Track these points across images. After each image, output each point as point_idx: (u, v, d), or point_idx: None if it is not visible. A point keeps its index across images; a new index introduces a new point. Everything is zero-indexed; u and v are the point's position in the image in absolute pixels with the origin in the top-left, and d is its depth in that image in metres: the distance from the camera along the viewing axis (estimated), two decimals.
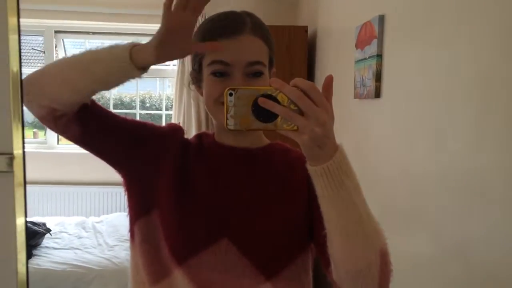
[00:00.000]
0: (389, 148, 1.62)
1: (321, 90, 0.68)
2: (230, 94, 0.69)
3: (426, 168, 1.34)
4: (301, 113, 0.66)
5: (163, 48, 0.84)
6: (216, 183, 0.95)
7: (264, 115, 0.68)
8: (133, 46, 0.87)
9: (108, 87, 0.90)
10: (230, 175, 0.96)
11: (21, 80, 0.65)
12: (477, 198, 1.08)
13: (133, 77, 0.88)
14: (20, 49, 0.66)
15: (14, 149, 0.67)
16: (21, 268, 0.75)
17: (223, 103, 0.81)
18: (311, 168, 0.72)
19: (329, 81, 0.69)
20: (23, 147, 0.68)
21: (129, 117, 1.00)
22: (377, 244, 0.76)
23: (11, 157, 0.66)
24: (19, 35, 0.64)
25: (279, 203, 0.93)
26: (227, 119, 0.69)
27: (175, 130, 1.01)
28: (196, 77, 0.96)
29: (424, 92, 1.37)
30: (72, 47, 4.40)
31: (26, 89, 0.84)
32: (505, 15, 1.01)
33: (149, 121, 0.99)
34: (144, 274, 0.97)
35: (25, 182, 0.69)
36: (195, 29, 0.91)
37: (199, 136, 1.05)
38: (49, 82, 0.88)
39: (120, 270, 2.60)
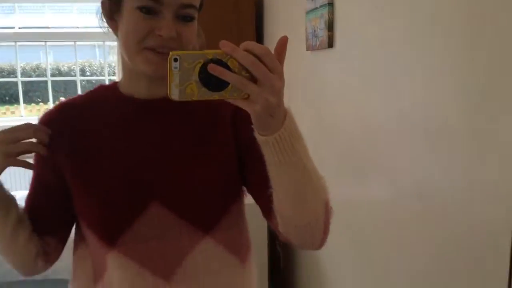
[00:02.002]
0: (344, 97, 1.62)
1: (274, 53, 0.62)
2: (175, 60, 0.60)
3: (382, 115, 1.34)
4: (253, 80, 0.60)
5: None
6: (130, 142, 0.88)
7: (213, 83, 0.61)
8: None
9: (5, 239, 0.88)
10: (144, 131, 0.88)
11: None
12: (432, 142, 1.09)
13: None
14: None
15: None
16: None
17: (147, 48, 0.79)
18: (261, 138, 0.67)
19: (283, 43, 0.64)
20: None
21: (33, 184, 0.94)
22: (323, 198, 0.77)
23: None
24: None
25: (205, 155, 0.88)
26: (171, 88, 0.61)
27: (46, 126, 0.88)
28: (111, 8, 0.84)
29: (378, 39, 1.36)
30: (1, 13, 4.10)
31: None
32: None
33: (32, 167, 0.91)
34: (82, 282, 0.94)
35: None
36: None
37: (99, 89, 0.96)
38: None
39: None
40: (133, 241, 0.85)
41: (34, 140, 0.84)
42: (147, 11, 0.79)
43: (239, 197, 0.94)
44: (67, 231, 0.96)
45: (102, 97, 0.93)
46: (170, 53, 0.61)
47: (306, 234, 0.80)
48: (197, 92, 0.61)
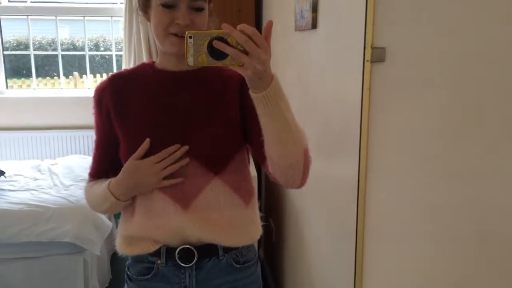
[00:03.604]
0: (324, 76, 1.71)
1: (262, 35, 0.85)
2: (190, 37, 0.85)
3: (356, 93, 1.44)
4: (246, 52, 0.83)
5: (130, 194, 1.15)
6: (161, 103, 1.14)
7: (217, 54, 0.84)
8: (109, 185, 1.15)
9: (114, 210, 1.20)
10: (173, 94, 1.14)
11: None
12: None
13: (119, 203, 1.15)
14: None
15: None
16: None
17: (171, 33, 1.06)
18: (253, 95, 0.91)
19: (269, 26, 0.87)
20: None
21: (96, 142, 1.24)
22: (302, 145, 1.00)
23: None
24: None
25: (217, 113, 1.13)
26: (187, 57, 0.85)
27: (100, 92, 1.19)
28: (144, 4, 1.11)
29: (354, 21, 1.44)
30: None
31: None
32: None
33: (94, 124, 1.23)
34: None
35: None
36: None
37: (141, 65, 1.24)
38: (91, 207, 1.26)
39: (77, 207, 2.67)
40: None
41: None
42: (168, 6, 1.05)
43: (242, 148, 1.18)
44: None
45: (143, 71, 1.20)
46: (187, 32, 0.86)
47: (288, 174, 1.03)
48: (206, 60, 0.86)
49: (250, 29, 0.83)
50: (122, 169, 1.13)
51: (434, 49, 1.21)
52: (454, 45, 1.21)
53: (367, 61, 1.17)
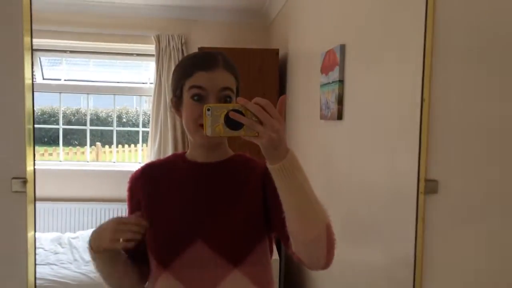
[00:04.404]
0: (349, 165, 1.76)
1: (276, 107, 0.89)
2: (208, 110, 0.90)
3: (380, 183, 1.48)
4: (260, 123, 0.87)
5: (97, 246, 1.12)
6: (187, 194, 1.17)
7: (233, 125, 0.89)
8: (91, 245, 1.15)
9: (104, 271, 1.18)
10: (198, 186, 1.17)
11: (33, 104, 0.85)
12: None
13: (97, 258, 1.14)
14: (32, 69, 0.86)
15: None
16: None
17: (200, 125, 1.08)
18: (271, 167, 0.92)
19: (282, 100, 0.91)
20: (34, 170, 0.89)
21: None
22: (323, 220, 0.99)
23: (24, 181, 0.85)
24: (32, 53, 0.81)
25: (239, 204, 1.14)
26: (206, 128, 0.90)
27: (133, 181, 1.23)
28: (177, 102, 1.16)
29: (379, 114, 1.52)
30: (48, 64, 4.45)
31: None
32: None
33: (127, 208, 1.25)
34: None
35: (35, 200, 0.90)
36: (176, 64, 1.14)
37: (172, 156, 1.29)
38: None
39: (96, 285, 2.65)
40: (180, 267, 1.12)
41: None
42: (198, 98, 1.09)
43: (264, 240, 1.17)
44: None
45: (173, 161, 1.25)
46: (205, 105, 0.91)
47: (312, 251, 1.01)
48: (223, 131, 0.90)
49: (263, 101, 0.88)
50: None
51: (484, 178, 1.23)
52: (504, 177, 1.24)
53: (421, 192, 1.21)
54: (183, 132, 3.77)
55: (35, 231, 0.79)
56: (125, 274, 1.19)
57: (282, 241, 1.11)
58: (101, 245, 1.10)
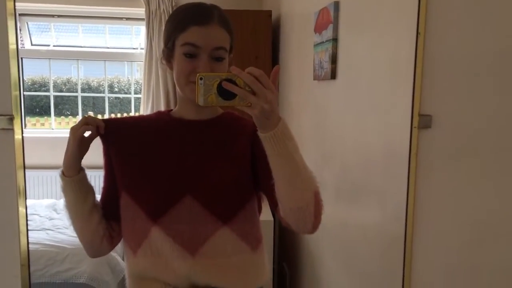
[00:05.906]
0: (342, 125, 1.76)
1: (269, 77, 0.89)
2: (201, 79, 0.89)
3: (374, 142, 1.48)
4: (253, 93, 0.86)
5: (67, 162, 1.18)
6: (176, 150, 1.16)
7: (226, 95, 0.88)
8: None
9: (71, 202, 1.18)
10: (187, 143, 1.16)
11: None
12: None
13: (68, 183, 1.17)
14: (17, 34, 0.86)
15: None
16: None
17: (192, 82, 1.06)
18: (261, 135, 0.93)
19: (276, 70, 0.91)
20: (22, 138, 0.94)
21: (104, 182, 1.23)
22: (312, 188, 1.00)
23: (11, 118, 0.89)
24: (16, 18, 0.82)
25: (228, 161, 1.14)
26: (198, 97, 0.90)
27: (108, 127, 1.18)
28: (168, 54, 1.14)
29: (373, 73, 1.51)
30: (37, 30, 4.36)
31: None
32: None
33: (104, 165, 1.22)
34: (128, 242, 1.18)
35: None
36: (167, 17, 1.09)
37: (157, 114, 1.25)
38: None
39: None
40: (170, 222, 1.12)
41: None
42: (190, 55, 1.07)
43: (252, 198, 1.18)
44: None
45: (157, 118, 1.23)
46: (198, 74, 0.90)
47: (299, 217, 1.02)
48: (215, 100, 0.90)
49: (257, 71, 0.87)
50: None
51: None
52: (499, 112, 1.21)
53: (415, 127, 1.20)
54: (175, 98, 3.73)
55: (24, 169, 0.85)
56: (91, 217, 1.17)
57: (271, 205, 1.13)
58: (67, 152, 1.14)
